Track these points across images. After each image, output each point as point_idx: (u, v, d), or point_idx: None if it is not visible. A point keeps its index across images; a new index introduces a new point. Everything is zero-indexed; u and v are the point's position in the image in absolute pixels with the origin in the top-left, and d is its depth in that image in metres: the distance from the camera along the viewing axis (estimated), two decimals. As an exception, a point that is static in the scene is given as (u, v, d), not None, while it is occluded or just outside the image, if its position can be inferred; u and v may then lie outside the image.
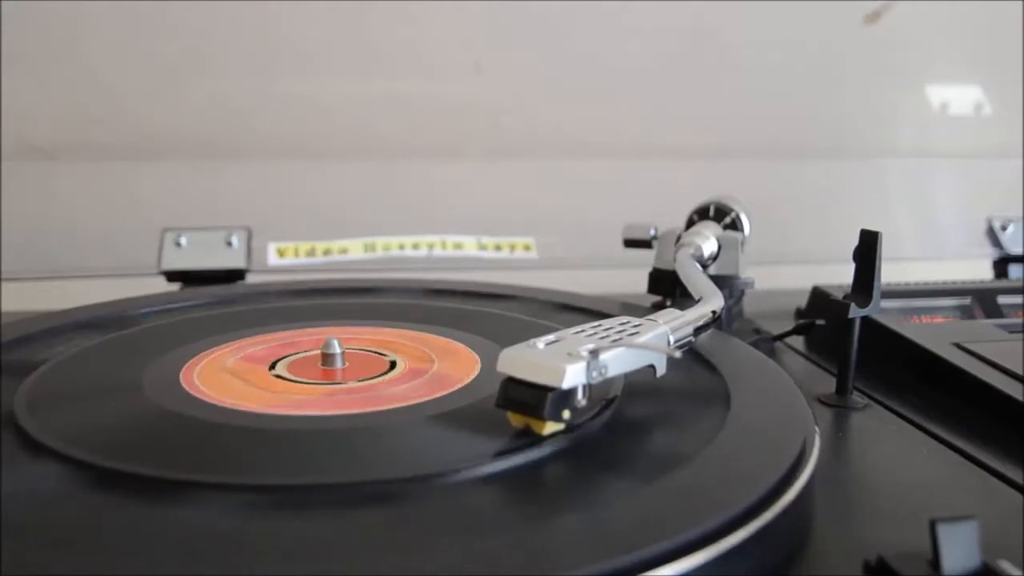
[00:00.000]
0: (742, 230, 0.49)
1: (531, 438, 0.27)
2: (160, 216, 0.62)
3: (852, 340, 0.38)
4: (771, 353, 0.46)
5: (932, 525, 0.22)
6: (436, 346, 0.39)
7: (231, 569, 0.20)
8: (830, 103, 0.78)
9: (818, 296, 0.50)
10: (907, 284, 0.52)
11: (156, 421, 0.30)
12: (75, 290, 0.59)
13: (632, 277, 0.52)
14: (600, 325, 0.31)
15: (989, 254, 0.68)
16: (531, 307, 0.48)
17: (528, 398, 0.27)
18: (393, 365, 0.36)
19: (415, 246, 0.66)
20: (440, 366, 0.36)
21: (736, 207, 0.50)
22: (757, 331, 0.49)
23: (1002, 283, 0.56)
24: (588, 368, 0.27)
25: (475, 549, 0.21)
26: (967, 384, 0.38)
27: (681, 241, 0.46)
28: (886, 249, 0.36)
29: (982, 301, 0.52)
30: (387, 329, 0.42)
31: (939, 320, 0.50)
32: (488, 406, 0.28)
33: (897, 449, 0.34)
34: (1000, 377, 0.37)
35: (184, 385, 0.33)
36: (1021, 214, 0.68)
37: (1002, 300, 0.52)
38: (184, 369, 0.35)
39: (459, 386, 0.33)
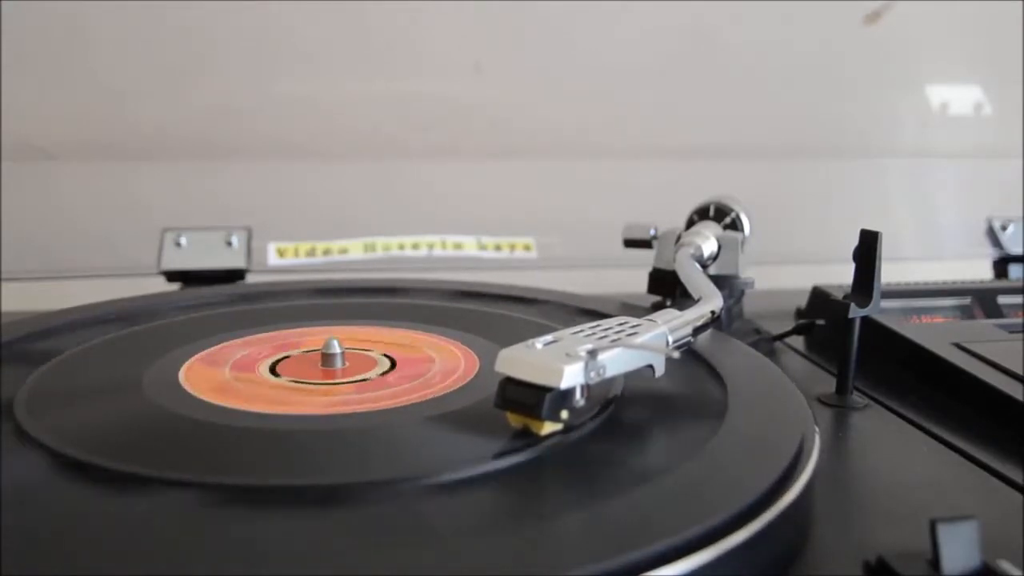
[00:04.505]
0: (742, 230, 0.49)
1: (530, 438, 0.27)
2: (160, 216, 0.62)
3: (852, 340, 0.38)
4: (771, 353, 0.46)
5: (932, 525, 0.22)
6: (436, 346, 0.39)
7: (231, 569, 0.20)
8: (830, 103, 0.78)
9: (818, 296, 0.50)
10: (907, 284, 0.52)
11: (156, 421, 0.30)
12: (75, 290, 0.59)
13: (632, 277, 0.52)
14: (599, 325, 0.31)
15: (989, 254, 0.68)
16: (532, 308, 0.48)
17: (526, 398, 0.27)
18: (393, 365, 0.36)
19: (415, 246, 0.66)
20: (440, 366, 0.36)
21: (736, 207, 0.50)
22: (757, 331, 0.49)
23: (1002, 283, 0.56)
24: (586, 368, 0.27)
25: (475, 549, 0.21)
26: (967, 384, 0.38)
27: (681, 241, 0.46)
28: (886, 249, 0.36)
29: (982, 301, 0.52)
30: (387, 329, 0.42)
31: (939, 320, 0.50)
32: (487, 406, 0.28)
33: (897, 449, 0.34)
34: (1000, 377, 0.37)
35: (184, 385, 0.33)
36: (1021, 214, 0.68)
37: (1002, 300, 0.52)
38: (184, 369, 0.35)
39: (458, 386, 0.33)
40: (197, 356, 0.37)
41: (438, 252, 0.66)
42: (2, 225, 0.64)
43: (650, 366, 0.30)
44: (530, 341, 0.28)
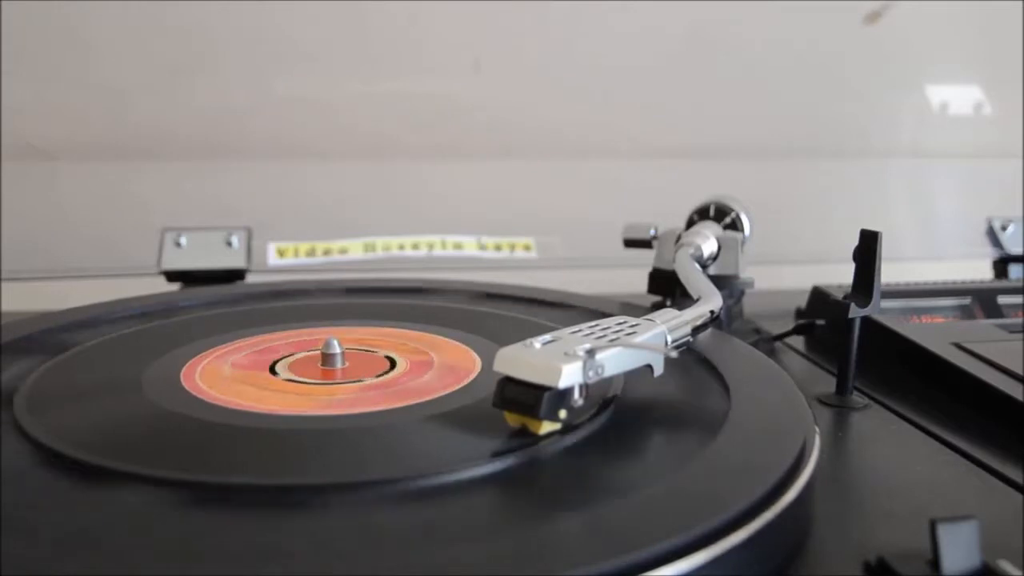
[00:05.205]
0: (742, 230, 0.49)
1: (528, 438, 0.27)
2: (160, 216, 0.62)
3: (852, 340, 0.38)
4: (771, 353, 0.46)
5: (932, 525, 0.22)
6: (435, 346, 0.39)
7: (231, 569, 0.20)
8: (830, 103, 0.78)
9: (818, 296, 0.50)
10: (907, 284, 0.52)
11: (156, 421, 0.30)
12: (75, 290, 0.59)
13: (632, 277, 0.52)
14: (598, 325, 0.31)
15: (989, 254, 0.68)
16: (532, 308, 0.48)
17: (524, 398, 0.27)
18: (393, 365, 0.36)
19: (415, 246, 0.66)
20: (439, 366, 0.36)
21: (736, 207, 0.50)
22: (757, 331, 0.49)
23: (1002, 283, 0.56)
24: (584, 368, 0.27)
25: (474, 549, 0.21)
26: (967, 384, 0.38)
27: (681, 241, 0.46)
28: (886, 249, 0.36)
29: (982, 301, 0.52)
30: (387, 329, 0.42)
31: (939, 320, 0.50)
32: (487, 406, 0.28)
33: (897, 449, 0.34)
34: (1000, 377, 0.37)
35: (184, 385, 0.33)
36: (1021, 214, 0.68)
37: (1002, 300, 0.52)
38: (184, 369, 0.35)
39: (458, 386, 0.33)
40: (197, 356, 0.37)
41: (438, 252, 0.66)
42: (2, 225, 0.64)
43: (649, 366, 0.30)
44: (529, 340, 0.28)
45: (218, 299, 0.49)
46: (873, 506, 0.28)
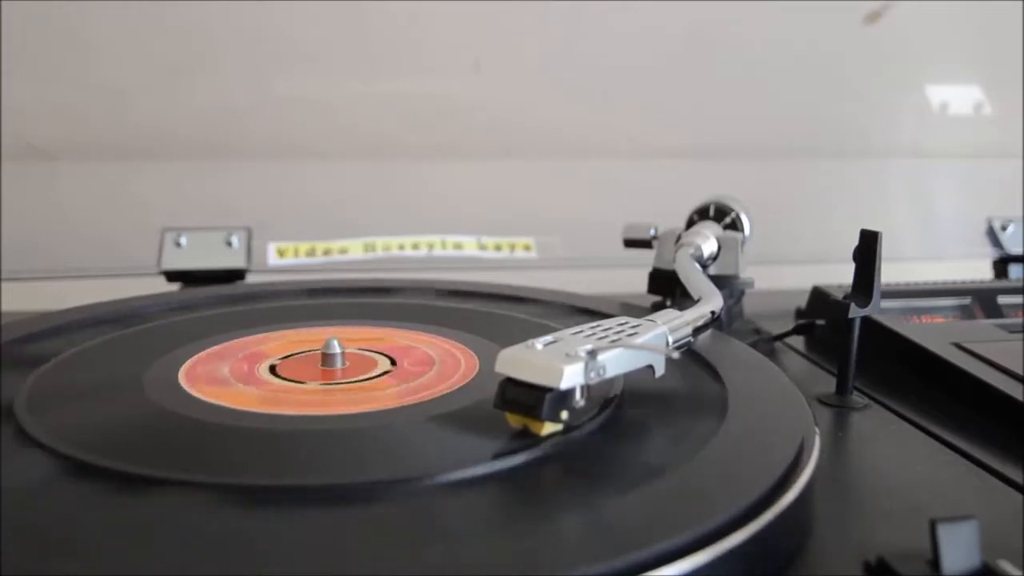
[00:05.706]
0: (742, 230, 0.49)
1: (529, 439, 0.27)
2: (160, 216, 0.62)
3: (852, 340, 0.38)
4: (771, 353, 0.46)
5: (932, 525, 0.22)
6: (436, 346, 0.39)
7: (230, 569, 0.20)
8: (830, 103, 0.78)
9: (818, 296, 0.50)
10: (907, 284, 0.52)
11: (156, 421, 0.30)
12: (75, 290, 0.59)
13: (632, 277, 0.52)
14: (599, 326, 0.31)
15: (989, 254, 0.68)
16: (532, 308, 0.48)
17: (526, 399, 0.27)
18: (393, 365, 0.36)
19: (415, 246, 0.66)
20: (440, 366, 0.36)
21: (736, 207, 0.50)
22: (757, 331, 0.49)
23: (1002, 283, 0.56)
24: (586, 369, 0.27)
25: (475, 550, 0.21)
26: (967, 384, 0.38)
27: (681, 241, 0.46)
28: (886, 249, 0.36)
29: (982, 301, 0.52)
30: (387, 329, 0.42)
31: (939, 320, 0.50)
32: (487, 407, 0.28)
33: (897, 449, 0.34)
34: (1000, 377, 0.37)
35: (184, 385, 0.33)
36: (1021, 214, 0.69)
37: (1002, 300, 0.52)
38: (184, 369, 0.35)
39: (459, 386, 0.33)
40: (197, 356, 0.37)
41: (438, 252, 0.66)
42: (2, 225, 0.64)
43: (650, 366, 0.30)
44: (530, 341, 0.28)
45: (220, 298, 0.49)
46: (873, 506, 0.28)
